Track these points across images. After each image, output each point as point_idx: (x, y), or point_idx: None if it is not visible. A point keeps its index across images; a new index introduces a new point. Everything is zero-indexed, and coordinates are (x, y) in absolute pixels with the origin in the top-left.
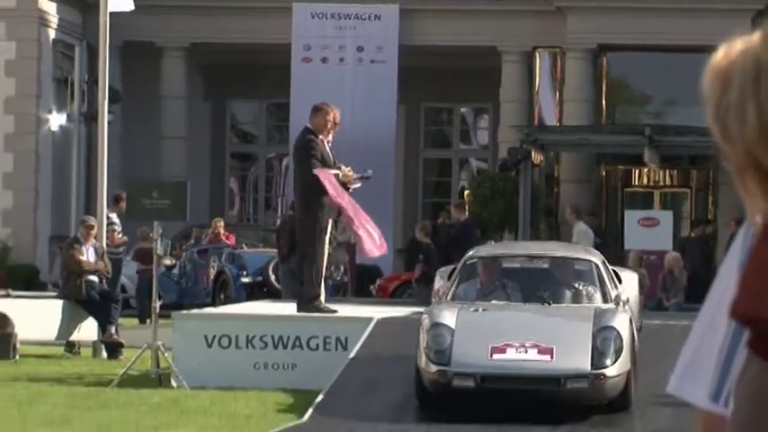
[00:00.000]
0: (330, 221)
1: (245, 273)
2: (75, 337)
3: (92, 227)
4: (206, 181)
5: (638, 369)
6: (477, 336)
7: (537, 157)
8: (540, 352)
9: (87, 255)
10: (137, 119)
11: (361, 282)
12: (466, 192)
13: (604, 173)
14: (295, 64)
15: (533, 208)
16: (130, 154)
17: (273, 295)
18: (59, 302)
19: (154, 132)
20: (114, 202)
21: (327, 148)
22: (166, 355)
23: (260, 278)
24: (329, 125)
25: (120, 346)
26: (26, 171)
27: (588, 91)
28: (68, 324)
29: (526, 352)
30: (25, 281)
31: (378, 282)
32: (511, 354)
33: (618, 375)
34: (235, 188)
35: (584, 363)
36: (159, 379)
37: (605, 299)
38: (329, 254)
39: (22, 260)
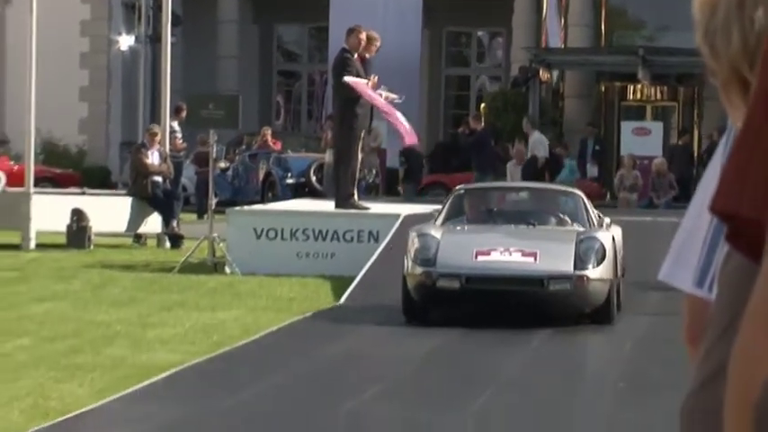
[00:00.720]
0: (363, 131)
1: (289, 174)
2: (142, 229)
3: (156, 134)
4: (255, 95)
5: (621, 301)
6: (463, 242)
7: (544, 75)
8: (523, 255)
9: (152, 158)
10: (195, 40)
11: (390, 183)
12: (482, 105)
13: (603, 89)
14: None
15: (541, 120)
16: (190, 71)
17: (314, 194)
18: (128, 200)
19: (210, 52)
20: (176, 112)
21: (361, 66)
22: (221, 245)
23: (302, 179)
24: (362, 44)
25: (181, 237)
26: (99, 86)
27: (589, 17)
28: (136, 218)
29: (510, 255)
30: (99, 181)
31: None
32: (495, 256)
33: (600, 279)
34: (281, 101)
35: (566, 265)
36: (215, 266)
37: (590, 225)
38: (362, 158)
39: (96, 163)
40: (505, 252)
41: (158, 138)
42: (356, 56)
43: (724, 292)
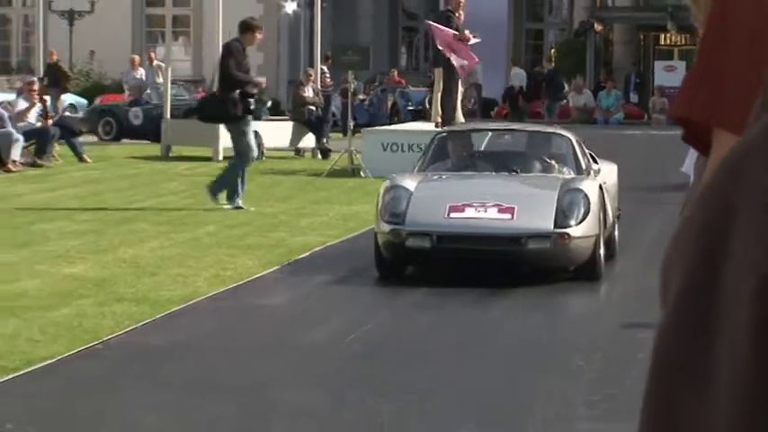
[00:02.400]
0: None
1: (410, 104)
2: (300, 145)
3: (310, 75)
4: (386, 45)
5: (613, 251)
6: (436, 197)
7: (598, 27)
8: (500, 211)
9: (308, 92)
10: (341, 4)
11: (484, 110)
12: (552, 50)
13: (642, 37)
14: None
15: (595, 61)
16: (336, 27)
17: (428, 119)
18: (290, 123)
19: (352, 13)
20: (325, 58)
21: (459, 23)
22: (357, 156)
23: (420, 107)
24: (461, 5)
25: (329, 150)
26: (271, 40)
27: None
28: (296, 137)
29: (485, 211)
30: (271, 110)
31: (494, 109)
32: (469, 213)
33: (583, 237)
34: (404, 49)
35: (546, 222)
36: (352, 171)
37: (577, 172)
38: (464, 90)
39: (269, 96)
40: (481, 208)
41: (312, 77)
42: (456, 14)
43: (695, 182)
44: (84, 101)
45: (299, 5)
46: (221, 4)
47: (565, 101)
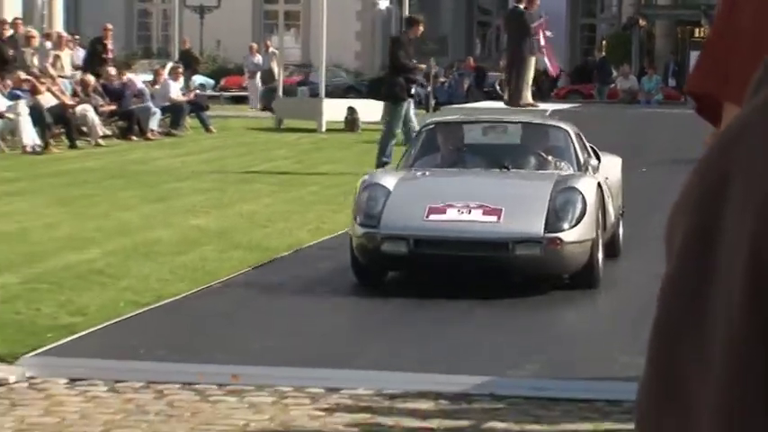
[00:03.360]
0: (533, 58)
1: (484, 86)
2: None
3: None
4: (462, 36)
5: (617, 251)
6: (416, 196)
7: (642, 22)
8: (485, 213)
9: None
10: (426, 1)
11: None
12: (603, 42)
13: (679, 31)
14: None
15: (639, 51)
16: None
17: (498, 99)
18: (380, 103)
19: (434, 8)
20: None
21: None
22: None
23: (491, 88)
24: (535, 4)
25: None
26: (367, 31)
27: None
28: (386, 113)
29: (469, 213)
30: (367, 90)
31: (554, 90)
32: (451, 214)
33: (578, 242)
34: (478, 41)
35: (536, 225)
36: None
37: (575, 168)
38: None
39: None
40: (464, 209)
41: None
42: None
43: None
44: (211, 81)
45: (390, 2)
46: (325, 1)
47: (613, 84)
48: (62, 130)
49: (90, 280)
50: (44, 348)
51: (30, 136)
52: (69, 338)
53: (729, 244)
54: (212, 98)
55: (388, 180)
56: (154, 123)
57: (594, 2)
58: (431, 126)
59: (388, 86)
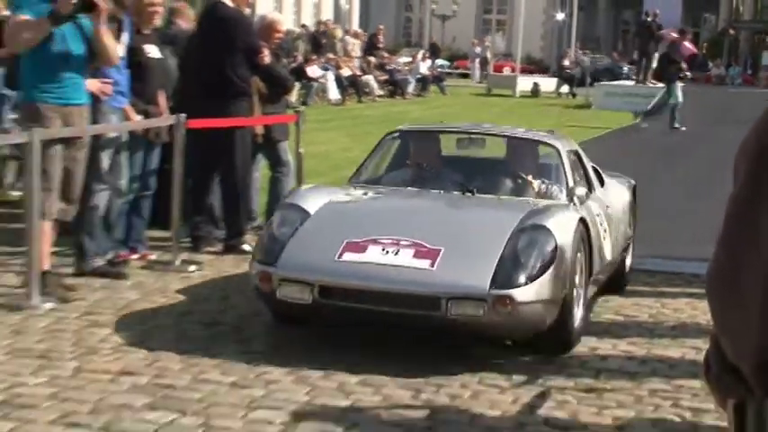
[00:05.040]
0: (656, 53)
1: (621, 71)
2: (560, 90)
3: (567, 52)
4: (611, 37)
5: (624, 282)
6: (337, 225)
7: (731, 31)
8: (417, 255)
9: (566, 62)
10: (587, 12)
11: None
12: (704, 44)
13: (756, 37)
14: None
15: (728, 50)
16: (582, 26)
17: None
18: (555, 78)
19: (592, 17)
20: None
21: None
22: (590, 98)
23: (625, 74)
24: (657, 15)
25: (575, 95)
26: (547, 33)
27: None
28: (558, 86)
29: (396, 254)
30: (539, 70)
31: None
32: (371, 254)
33: (538, 301)
34: (621, 42)
35: (481, 277)
36: (588, 105)
37: (562, 195)
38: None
39: (547, 65)
40: (392, 247)
41: (569, 54)
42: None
43: None
44: (447, 63)
45: (565, 15)
46: (522, 13)
47: (708, 71)
48: (353, 91)
49: None
50: None
51: (333, 94)
52: None
53: None
54: (448, 74)
55: (314, 200)
56: (410, 88)
57: (699, 16)
58: (396, 134)
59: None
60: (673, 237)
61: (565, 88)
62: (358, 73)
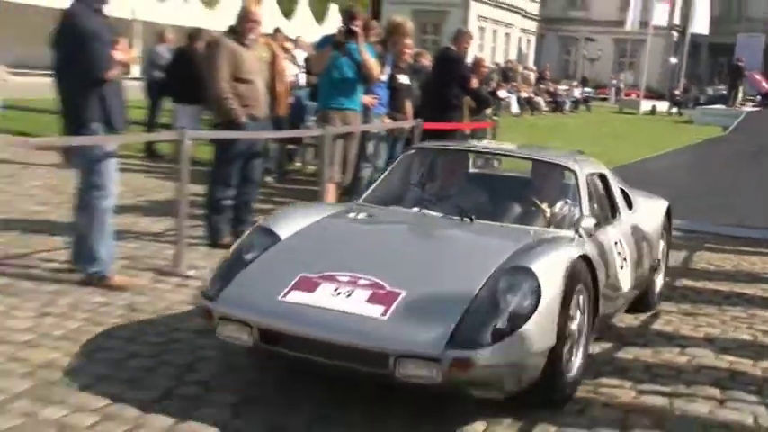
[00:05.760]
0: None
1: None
2: (658, 108)
3: (679, 84)
4: (707, 71)
5: (652, 304)
6: (299, 255)
7: None
8: (372, 299)
9: (677, 92)
10: (694, 61)
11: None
12: None
13: None
14: None
15: None
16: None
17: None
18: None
19: (696, 62)
20: (687, 78)
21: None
22: (691, 115)
23: (715, 99)
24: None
25: (681, 113)
26: (665, 71)
27: None
28: (654, 106)
29: (349, 295)
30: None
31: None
32: (320, 295)
33: (507, 364)
34: (716, 78)
35: (437, 332)
36: (690, 122)
37: (568, 225)
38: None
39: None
40: (347, 286)
41: (678, 85)
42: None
43: None
44: (592, 90)
45: (677, 59)
46: (647, 58)
47: None
48: (528, 107)
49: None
50: None
51: (514, 109)
52: None
53: None
54: (593, 98)
55: (291, 223)
56: (566, 107)
57: None
58: (412, 152)
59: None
60: (743, 210)
61: (674, 109)
62: (532, 95)
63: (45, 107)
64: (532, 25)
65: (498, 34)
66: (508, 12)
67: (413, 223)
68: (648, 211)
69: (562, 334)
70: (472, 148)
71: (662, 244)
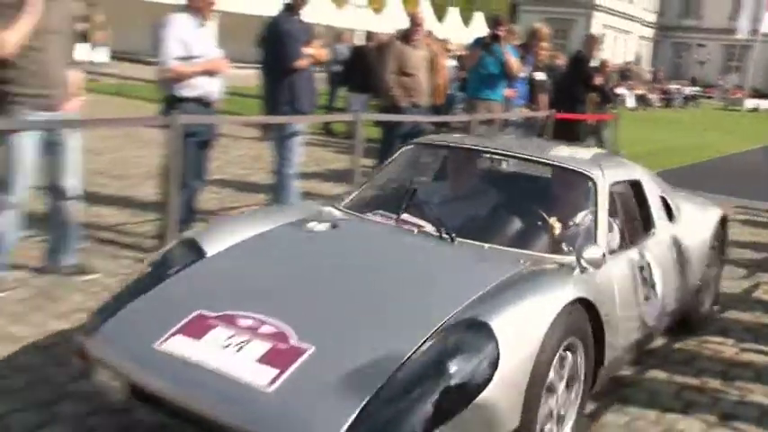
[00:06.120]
0: None
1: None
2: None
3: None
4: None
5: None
6: (208, 284)
7: None
8: (266, 357)
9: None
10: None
11: None
12: None
13: None
14: None
15: None
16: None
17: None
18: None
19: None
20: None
21: None
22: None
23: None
24: None
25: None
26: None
27: None
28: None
29: (239, 349)
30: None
31: None
32: (205, 346)
33: None
34: None
35: (336, 414)
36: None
37: (571, 250)
38: None
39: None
40: (245, 334)
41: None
42: None
43: None
44: (700, 89)
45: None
46: (753, 61)
47: None
48: (642, 103)
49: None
50: None
51: (630, 104)
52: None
53: None
54: (701, 96)
55: (226, 236)
56: (677, 103)
57: None
58: (410, 147)
59: None
60: None
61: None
62: (645, 92)
63: (251, 93)
64: (649, 32)
65: (618, 40)
66: (629, 21)
67: (375, 243)
68: (698, 222)
69: (531, 414)
70: (477, 147)
71: (712, 258)
